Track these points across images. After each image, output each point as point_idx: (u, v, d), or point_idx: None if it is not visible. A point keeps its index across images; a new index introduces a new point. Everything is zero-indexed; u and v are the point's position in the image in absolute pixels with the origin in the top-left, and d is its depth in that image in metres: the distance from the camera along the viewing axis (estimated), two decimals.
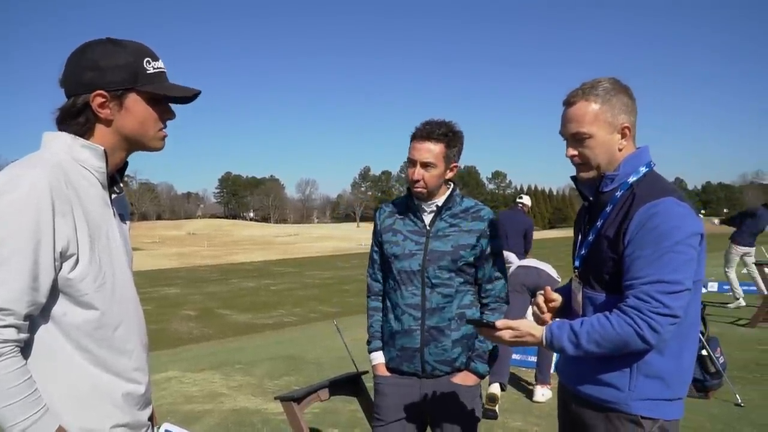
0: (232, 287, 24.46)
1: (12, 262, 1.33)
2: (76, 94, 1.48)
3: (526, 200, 8.02)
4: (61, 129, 1.51)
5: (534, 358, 5.84)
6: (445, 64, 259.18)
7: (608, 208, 1.88)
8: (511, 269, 5.85)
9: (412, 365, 2.54)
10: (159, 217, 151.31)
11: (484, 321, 1.95)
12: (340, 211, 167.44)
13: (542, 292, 2.08)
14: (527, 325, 1.90)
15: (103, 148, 1.50)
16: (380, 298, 2.72)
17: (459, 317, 2.52)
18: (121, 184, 1.65)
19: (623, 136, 1.88)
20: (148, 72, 1.52)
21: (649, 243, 1.73)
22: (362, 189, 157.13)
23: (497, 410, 5.03)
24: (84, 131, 1.51)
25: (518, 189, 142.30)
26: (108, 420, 1.49)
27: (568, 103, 1.90)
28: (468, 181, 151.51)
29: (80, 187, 1.46)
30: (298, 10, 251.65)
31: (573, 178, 2.03)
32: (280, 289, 23.14)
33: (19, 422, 1.33)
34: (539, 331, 1.87)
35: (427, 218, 2.56)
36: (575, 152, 1.91)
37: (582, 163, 1.92)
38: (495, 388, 5.04)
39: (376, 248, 2.71)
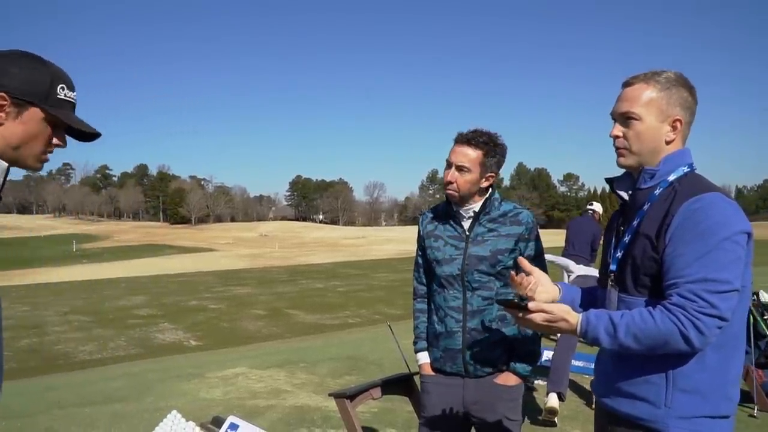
0: (300, 288, 25.03)
1: None
2: None
3: (597, 207, 7.85)
4: None
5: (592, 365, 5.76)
6: (515, 64, 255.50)
7: (646, 206, 1.77)
8: (571, 277, 5.79)
9: (455, 366, 2.61)
10: (233, 219, 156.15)
11: (515, 301, 1.79)
12: (407, 214, 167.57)
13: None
14: (562, 310, 1.74)
15: (7, 165, 1.49)
16: (425, 300, 2.80)
17: (500, 319, 2.56)
18: None
19: (673, 128, 1.78)
20: (58, 96, 1.52)
21: (693, 239, 1.61)
22: (430, 192, 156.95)
23: (556, 420, 4.99)
24: None
25: (591, 192, 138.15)
26: None
27: (628, 83, 1.83)
28: (538, 183, 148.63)
29: None
30: (379, 7, 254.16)
31: (608, 180, 1.95)
32: (346, 290, 23.49)
33: None
34: (574, 318, 1.72)
35: (466, 224, 2.61)
36: (620, 133, 1.82)
37: (624, 147, 1.82)
38: (553, 401, 4.97)
39: (420, 253, 2.79)
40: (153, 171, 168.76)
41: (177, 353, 11.80)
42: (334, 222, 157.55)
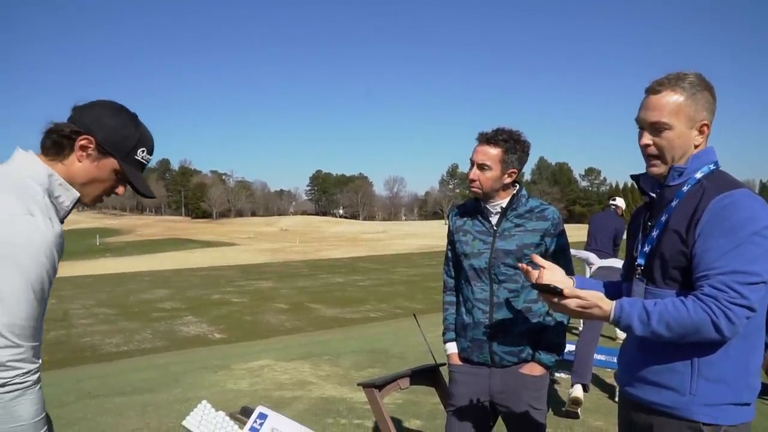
0: (321, 282, 25.17)
1: None
2: (75, 125, 1.66)
3: (620, 202, 7.83)
4: (44, 138, 1.66)
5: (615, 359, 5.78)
6: (538, 58, 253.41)
7: (674, 203, 1.82)
8: (593, 269, 5.81)
9: (482, 355, 2.69)
10: (254, 214, 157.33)
11: (551, 287, 1.83)
12: (427, 209, 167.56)
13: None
14: (596, 296, 1.80)
15: (78, 195, 1.69)
16: (454, 293, 2.90)
17: (526, 311, 2.64)
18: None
19: (701, 133, 1.83)
20: (135, 157, 1.72)
21: (723, 234, 1.67)
22: (450, 186, 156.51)
23: (579, 412, 5.03)
24: (57, 153, 1.66)
25: (613, 186, 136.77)
26: None
27: (653, 90, 1.84)
28: (560, 178, 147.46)
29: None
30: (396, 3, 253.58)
31: (634, 177, 1.99)
32: (367, 285, 23.58)
33: None
34: (608, 305, 1.77)
35: (494, 219, 2.69)
36: (650, 142, 1.84)
37: (655, 155, 1.85)
38: (578, 391, 5.03)
39: (450, 248, 2.88)
40: (175, 166, 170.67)
41: (201, 346, 11.97)
42: (354, 217, 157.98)
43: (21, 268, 1.48)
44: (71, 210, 1.72)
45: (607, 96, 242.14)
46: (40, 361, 1.56)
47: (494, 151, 2.59)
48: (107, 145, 1.67)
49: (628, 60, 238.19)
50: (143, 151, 1.74)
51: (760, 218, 1.67)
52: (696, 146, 1.83)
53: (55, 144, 1.65)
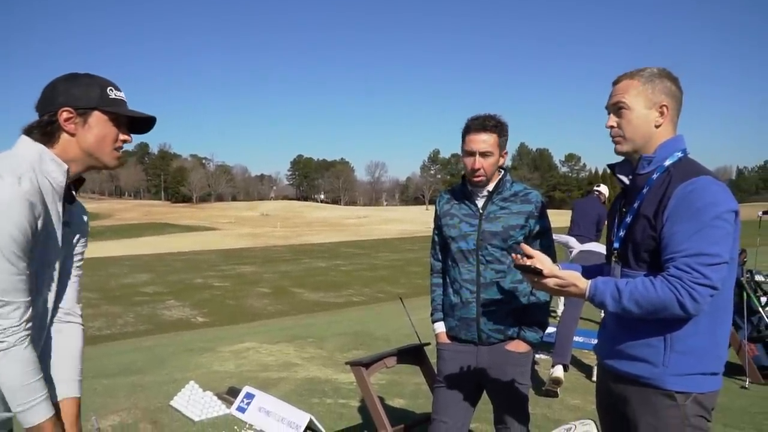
0: (304, 267, 25.28)
1: None
2: (47, 112, 1.72)
3: (604, 189, 7.99)
4: (26, 133, 1.72)
5: (594, 341, 5.95)
6: (517, 43, 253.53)
7: (645, 190, 1.96)
8: (573, 253, 5.98)
9: (469, 333, 2.83)
10: (234, 198, 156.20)
11: (532, 267, 2.00)
12: (409, 194, 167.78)
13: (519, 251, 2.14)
14: (573, 276, 1.97)
15: (67, 167, 1.73)
16: (441, 275, 3.02)
17: (512, 291, 2.78)
18: (75, 195, 1.85)
19: (661, 114, 1.98)
20: (110, 97, 1.77)
21: (687, 218, 1.80)
22: (431, 172, 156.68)
23: (558, 391, 5.21)
24: (49, 140, 1.72)
25: (592, 173, 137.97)
26: None
27: (616, 80, 2.04)
28: (540, 164, 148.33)
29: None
30: None
31: (610, 167, 2.16)
32: (349, 269, 23.73)
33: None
34: (584, 284, 1.94)
35: (480, 202, 2.82)
36: (614, 123, 2.02)
37: (619, 135, 2.02)
38: (559, 371, 5.20)
39: (437, 232, 3.00)
40: (154, 149, 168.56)
41: (185, 329, 12.04)
42: (335, 202, 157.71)
43: None
44: (70, 186, 1.77)
45: (589, 82, 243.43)
46: (23, 322, 1.59)
47: (491, 138, 2.71)
48: (83, 103, 1.73)
49: (609, 46, 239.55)
50: (112, 90, 1.79)
51: (721, 203, 1.81)
52: (657, 126, 1.98)
53: (44, 135, 1.72)
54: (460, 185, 2.91)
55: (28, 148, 1.70)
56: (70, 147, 1.74)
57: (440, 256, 3.02)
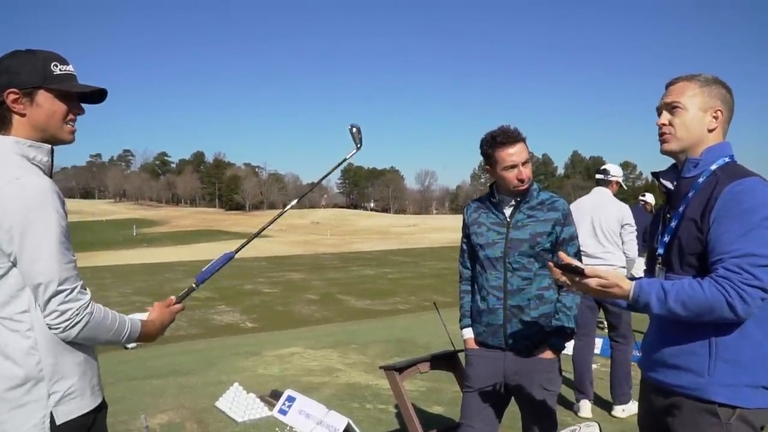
0: (351, 274, 25.50)
1: None
2: None
3: (650, 198, 7.82)
4: None
5: (638, 353, 5.67)
6: (572, 52, 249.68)
7: (690, 193, 1.91)
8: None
9: (496, 339, 2.86)
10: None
11: (573, 266, 1.88)
12: (459, 203, 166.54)
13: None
14: (616, 276, 1.86)
15: (49, 146, 1.74)
16: (470, 282, 3.08)
17: (538, 298, 2.81)
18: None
19: (715, 118, 1.95)
20: (55, 73, 1.73)
21: (736, 219, 1.74)
22: (482, 180, 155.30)
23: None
24: (3, 124, 1.70)
25: (648, 181, 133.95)
26: None
27: (671, 82, 2.02)
28: (594, 172, 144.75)
29: None
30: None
31: (654, 174, 2.13)
32: (397, 277, 23.81)
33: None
34: (627, 284, 1.84)
35: (508, 211, 2.88)
36: (666, 121, 1.98)
37: (669, 133, 1.98)
38: (586, 409, 4.86)
39: (465, 240, 3.07)
40: (209, 158, 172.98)
41: (234, 334, 12.34)
42: (385, 210, 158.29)
43: (40, 224, 1.59)
44: (52, 163, 1.81)
45: (645, 89, 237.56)
46: (89, 293, 1.72)
47: (524, 146, 2.81)
48: (27, 81, 1.70)
49: (664, 54, 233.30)
50: (56, 65, 1.75)
51: None
52: (710, 130, 1.95)
53: None
54: (488, 195, 2.98)
55: (4, 143, 1.69)
56: (23, 128, 1.72)
57: (469, 264, 3.07)
